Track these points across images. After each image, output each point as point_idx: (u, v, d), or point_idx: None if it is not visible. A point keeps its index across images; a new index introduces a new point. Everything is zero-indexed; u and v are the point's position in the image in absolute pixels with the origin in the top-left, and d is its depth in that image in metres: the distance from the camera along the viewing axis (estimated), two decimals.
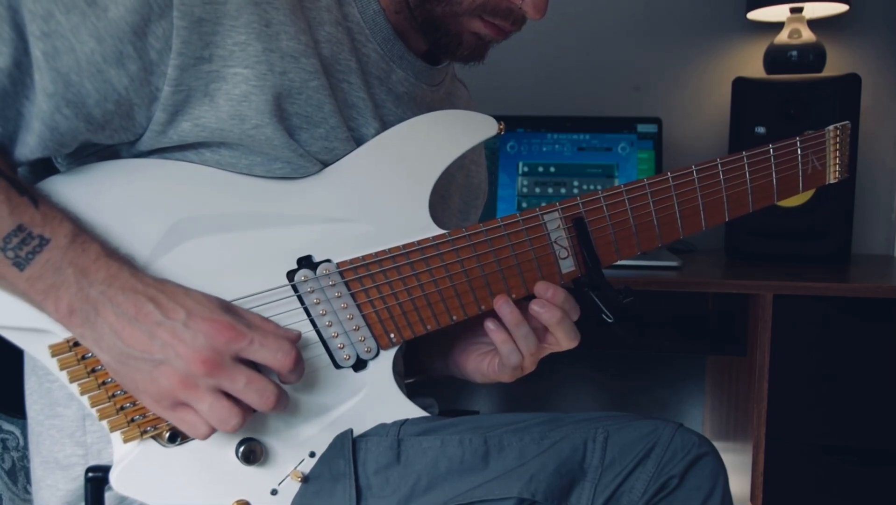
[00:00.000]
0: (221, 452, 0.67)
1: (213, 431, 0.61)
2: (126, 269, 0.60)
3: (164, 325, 0.58)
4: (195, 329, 0.58)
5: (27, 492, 0.98)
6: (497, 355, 0.77)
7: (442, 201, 0.85)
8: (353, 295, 0.70)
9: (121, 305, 0.59)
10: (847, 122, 0.82)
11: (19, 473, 0.98)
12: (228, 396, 0.60)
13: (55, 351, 0.63)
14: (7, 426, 0.97)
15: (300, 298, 0.68)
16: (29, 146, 0.61)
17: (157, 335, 0.58)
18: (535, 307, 0.73)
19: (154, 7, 0.59)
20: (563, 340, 0.75)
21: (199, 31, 0.61)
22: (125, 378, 0.61)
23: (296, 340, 0.64)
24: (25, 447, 0.94)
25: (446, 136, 0.73)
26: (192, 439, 0.66)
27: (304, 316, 0.69)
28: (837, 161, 0.81)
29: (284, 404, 0.63)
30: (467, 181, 0.91)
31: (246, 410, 0.61)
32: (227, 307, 0.62)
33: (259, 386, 0.60)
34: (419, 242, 0.71)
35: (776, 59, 1.64)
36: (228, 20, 0.62)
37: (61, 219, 0.60)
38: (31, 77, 0.58)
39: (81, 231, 0.60)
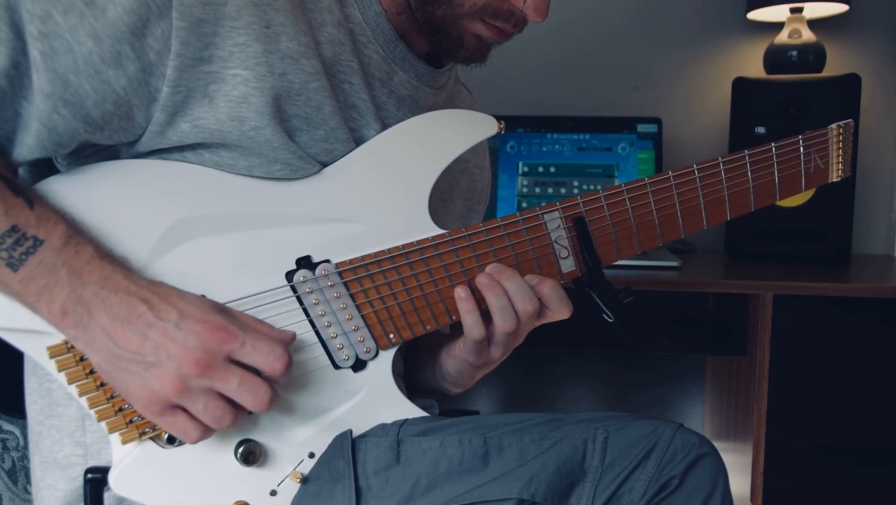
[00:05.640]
0: (220, 453, 0.67)
1: (203, 436, 0.61)
2: (119, 271, 0.60)
3: (155, 326, 0.58)
4: (187, 330, 0.58)
5: (27, 492, 0.98)
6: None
7: (444, 205, 0.85)
8: (352, 295, 0.70)
9: (113, 307, 0.58)
10: (850, 120, 0.81)
11: (19, 473, 0.98)
12: (221, 395, 0.60)
13: (54, 352, 0.63)
14: (7, 426, 0.97)
15: (299, 299, 0.68)
16: (27, 146, 0.61)
17: (149, 336, 0.58)
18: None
19: (153, 8, 0.58)
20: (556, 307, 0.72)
21: (198, 32, 0.60)
22: (116, 380, 0.60)
23: (289, 342, 0.63)
24: (25, 447, 0.94)
25: (445, 135, 0.73)
26: None
27: (303, 316, 0.69)
28: (840, 159, 0.81)
29: (276, 403, 0.62)
30: (471, 185, 0.91)
31: (239, 409, 0.61)
32: (221, 309, 0.62)
33: (252, 387, 0.60)
34: (418, 243, 0.71)
35: (776, 59, 1.64)
36: (228, 21, 0.61)
37: (56, 220, 0.60)
38: (28, 77, 0.58)
39: (76, 233, 0.60)
